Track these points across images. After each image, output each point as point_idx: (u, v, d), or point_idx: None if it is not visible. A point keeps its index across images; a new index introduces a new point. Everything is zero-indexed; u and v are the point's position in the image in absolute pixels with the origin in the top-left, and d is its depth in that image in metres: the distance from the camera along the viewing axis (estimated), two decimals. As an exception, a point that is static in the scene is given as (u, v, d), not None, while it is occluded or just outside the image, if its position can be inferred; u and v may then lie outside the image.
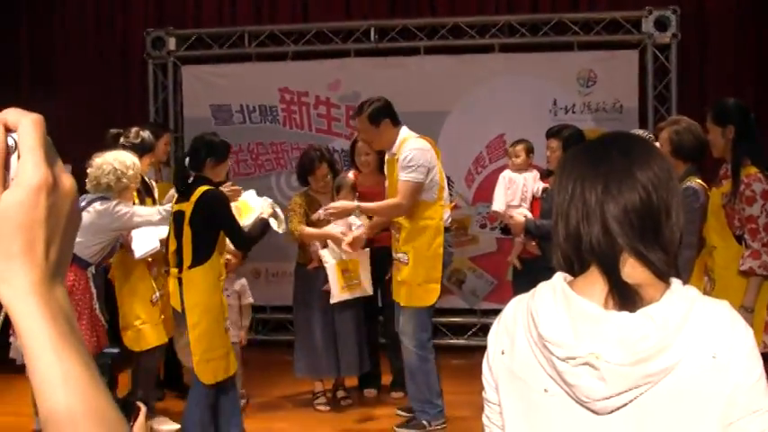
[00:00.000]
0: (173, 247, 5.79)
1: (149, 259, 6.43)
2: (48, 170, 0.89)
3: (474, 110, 8.79)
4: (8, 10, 10.20)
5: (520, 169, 7.00)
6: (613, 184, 1.88)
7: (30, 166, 0.88)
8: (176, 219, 5.75)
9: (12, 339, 5.92)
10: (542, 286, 1.91)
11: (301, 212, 6.96)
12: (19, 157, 0.89)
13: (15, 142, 0.90)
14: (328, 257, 6.73)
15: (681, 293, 1.82)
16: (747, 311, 4.85)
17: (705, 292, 5.00)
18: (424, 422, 6.41)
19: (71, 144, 5.91)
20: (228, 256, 6.29)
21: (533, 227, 6.23)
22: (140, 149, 6.50)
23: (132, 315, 6.30)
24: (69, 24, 10.24)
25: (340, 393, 7.36)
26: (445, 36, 9.39)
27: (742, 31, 9.09)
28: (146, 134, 6.68)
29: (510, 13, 9.37)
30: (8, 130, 0.90)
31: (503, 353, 1.97)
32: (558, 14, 9.20)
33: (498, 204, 6.91)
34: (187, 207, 5.65)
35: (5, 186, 0.89)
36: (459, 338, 9.22)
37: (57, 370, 0.88)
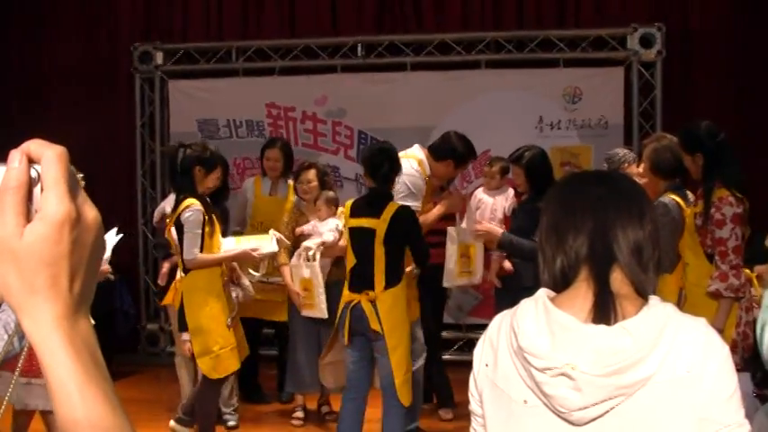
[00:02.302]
0: (350, 264, 5.68)
1: (225, 278, 6.15)
2: (71, 204, 0.89)
3: (460, 125, 8.73)
4: (-5, 24, 10.21)
5: (492, 189, 6.99)
6: (622, 207, 1.96)
7: (53, 200, 0.88)
8: (361, 235, 5.64)
9: None
10: (525, 301, 1.97)
11: (289, 230, 6.95)
12: (42, 189, 0.89)
13: (38, 174, 0.89)
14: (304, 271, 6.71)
15: (658, 309, 1.86)
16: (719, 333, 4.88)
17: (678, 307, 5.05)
18: None
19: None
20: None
21: (507, 242, 6.22)
22: (210, 164, 6.16)
23: (211, 340, 5.94)
24: (57, 37, 10.23)
25: (324, 409, 7.34)
26: (432, 52, 9.43)
27: (726, 48, 9.15)
28: (213, 147, 6.38)
29: (496, 30, 9.42)
30: (31, 161, 0.90)
31: (486, 365, 2.02)
32: (545, 31, 9.25)
33: (467, 224, 6.89)
34: (378, 225, 5.55)
35: (29, 219, 0.89)
36: (445, 353, 9.21)
37: (80, 408, 0.88)
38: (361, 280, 5.60)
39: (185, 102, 9.77)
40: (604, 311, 1.87)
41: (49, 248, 0.88)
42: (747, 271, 5.36)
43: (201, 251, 5.87)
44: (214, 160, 6.21)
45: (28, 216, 0.89)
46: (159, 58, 9.88)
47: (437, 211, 6.45)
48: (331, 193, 7.06)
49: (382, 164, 5.69)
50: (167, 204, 7.51)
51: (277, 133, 9.40)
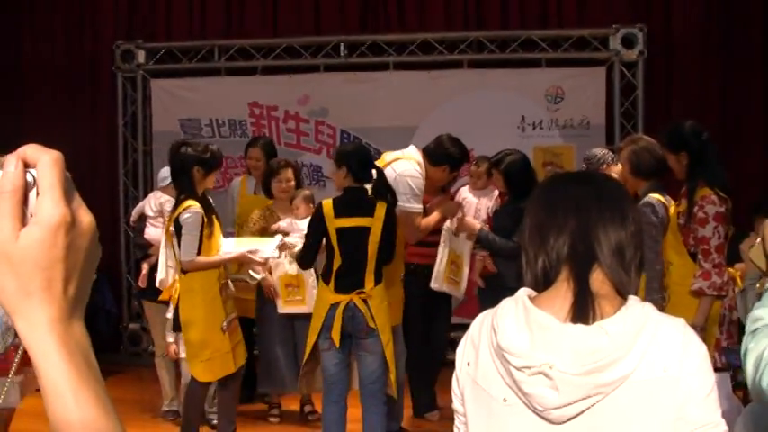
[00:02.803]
0: (337, 263, 5.62)
1: (223, 281, 6.02)
2: (66, 208, 0.89)
3: (442, 125, 8.77)
4: (-24, 22, 10.16)
5: (478, 189, 7.00)
6: (604, 208, 1.97)
7: (49, 204, 0.89)
8: (351, 234, 5.59)
9: None
10: (506, 300, 1.99)
11: (256, 229, 6.93)
12: (38, 193, 0.90)
13: (34, 178, 0.90)
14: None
15: (636, 309, 1.88)
16: (697, 330, 4.91)
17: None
18: None
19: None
20: None
21: (485, 237, 6.25)
22: (209, 164, 6.01)
23: (203, 344, 5.86)
24: (38, 34, 10.18)
25: (307, 408, 7.32)
26: (415, 52, 9.44)
27: (707, 48, 9.21)
28: (214, 148, 6.22)
29: (479, 30, 9.44)
30: (26, 166, 0.91)
31: (468, 364, 2.04)
32: (527, 31, 9.28)
33: (450, 222, 6.89)
34: (373, 224, 5.54)
35: (24, 223, 0.89)
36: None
37: (74, 411, 0.88)
38: (350, 280, 5.56)
39: (168, 101, 9.75)
40: (583, 311, 1.88)
41: (45, 252, 0.88)
42: (731, 270, 5.40)
43: (200, 253, 5.81)
44: (214, 161, 6.07)
45: (23, 220, 0.89)
46: (141, 56, 9.86)
47: (435, 217, 6.42)
48: (308, 192, 7.07)
49: (367, 163, 5.70)
50: (146, 205, 7.50)
51: (260, 133, 9.38)
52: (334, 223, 5.60)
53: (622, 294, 1.93)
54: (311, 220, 5.87)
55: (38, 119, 9.85)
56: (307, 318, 6.48)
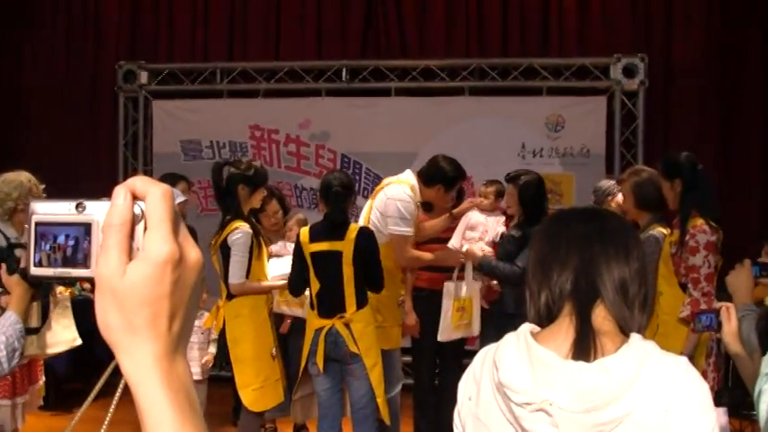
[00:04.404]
0: (315, 289, 5.57)
1: (271, 305, 5.97)
2: (175, 244, 0.89)
3: (443, 151, 8.73)
4: (-21, 40, 10.19)
5: (485, 210, 7.00)
6: (608, 244, 1.97)
7: (158, 240, 0.88)
8: (325, 258, 5.55)
9: None
10: (508, 335, 1.99)
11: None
12: (145, 227, 0.89)
13: (142, 211, 0.90)
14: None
15: (637, 347, 1.87)
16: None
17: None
18: None
19: (38, 173, 5.89)
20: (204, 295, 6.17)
21: (486, 264, 6.23)
22: (253, 182, 5.86)
23: (255, 372, 5.73)
24: (40, 53, 10.23)
25: (302, 433, 7.29)
26: (416, 78, 9.47)
27: (707, 79, 9.24)
28: (258, 164, 6.09)
29: (480, 57, 9.48)
30: (135, 198, 0.90)
31: (470, 399, 2.04)
32: (528, 59, 9.31)
33: (455, 241, 6.88)
34: (344, 246, 5.49)
35: (131, 257, 0.89)
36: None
37: None
38: (331, 304, 5.54)
39: (169, 122, 9.77)
40: (584, 348, 1.88)
41: (151, 288, 0.88)
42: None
43: (248, 276, 5.69)
44: (258, 178, 5.89)
45: (130, 254, 0.89)
46: (144, 77, 9.89)
47: (429, 256, 6.34)
48: (302, 216, 7.10)
49: (338, 190, 5.62)
50: None
51: (260, 156, 9.40)
52: (308, 248, 5.60)
53: (625, 331, 1.93)
54: (294, 247, 5.86)
55: (39, 137, 9.90)
56: (299, 338, 6.45)
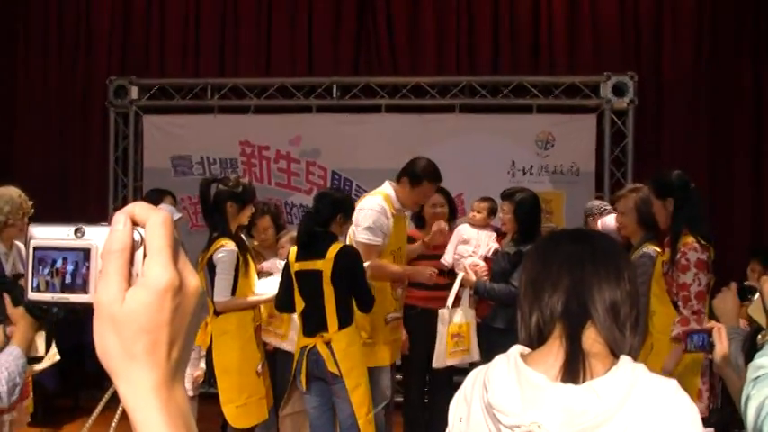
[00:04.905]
0: (300, 307, 5.56)
1: (257, 323, 5.93)
2: (175, 272, 0.89)
3: (433, 168, 8.88)
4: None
5: (477, 225, 6.98)
6: (599, 266, 1.97)
7: (158, 267, 0.88)
8: (307, 277, 5.54)
9: None
10: (498, 357, 1.99)
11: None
12: (145, 253, 0.89)
13: (141, 237, 0.90)
14: None
15: (627, 369, 1.87)
16: (665, 374, 4.91)
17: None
18: None
19: (28, 188, 5.88)
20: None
21: (482, 288, 6.24)
22: (242, 199, 5.86)
23: (239, 388, 5.69)
24: (31, 67, 10.21)
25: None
26: (407, 95, 9.49)
27: (696, 97, 9.29)
28: (246, 182, 6.09)
29: (471, 75, 9.50)
30: (134, 224, 0.90)
31: (460, 420, 2.05)
32: (519, 77, 9.34)
33: (447, 257, 6.85)
34: (324, 265, 5.45)
35: (130, 283, 0.89)
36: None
37: None
38: (314, 323, 5.51)
39: (159, 137, 9.76)
40: (573, 370, 1.88)
41: (151, 316, 0.87)
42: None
43: (234, 293, 5.67)
44: (247, 195, 5.89)
45: (129, 280, 0.89)
46: (134, 92, 9.88)
47: (399, 270, 6.25)
48: (295, 233, 7.06)
49: (323, 208, 5.63)
50: None
51: (250, 172, 9.40)
52: (294, 267, 5.60)
53: (615, 353, 1.93)
54: (284, 264, 5.84)
55: (29, 152, 9.89)
56: (287, 355, 6.42)
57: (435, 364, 6.36)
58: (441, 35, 9.68)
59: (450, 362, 6.36)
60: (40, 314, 3.00)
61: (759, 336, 2.72)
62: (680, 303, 5.15)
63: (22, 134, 10.06)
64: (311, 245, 5.56)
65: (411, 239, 6.72)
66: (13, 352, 3.19)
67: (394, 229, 6.18)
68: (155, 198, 7.32)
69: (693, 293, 5.11)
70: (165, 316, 0.88)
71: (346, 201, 5.83)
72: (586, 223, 6.97)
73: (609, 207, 6.72)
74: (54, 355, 5.45)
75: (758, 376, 2.39)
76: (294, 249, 5.69)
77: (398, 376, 7.03)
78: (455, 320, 6.34)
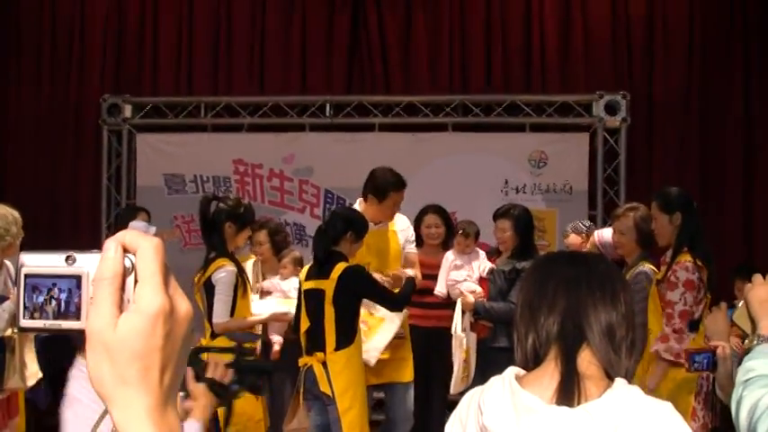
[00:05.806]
0: (305, 326, 5.55)
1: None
2: (166, 297, 0.90)
3: (426, 187, 8.83)
4: (-37, 72, 10.17)
5: (465, 253, 6.87)
6: (595, 288, 1.97)
7: (148, 292, 0.89)
8: (312, 296, 5.54)
9: None
10: (494, 379, 1.99)
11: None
12: (136, 280, 0.90)
13: (132, 264, 0.90)
14: None
15: (621, 392, 1.87)
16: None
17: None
18: None
19: (20, 205, 5.85)
20: None
21: (482, 309, 6.23)
22: (242, 220, 5.79)
23: (238, 410, 5.73)
24: (24, 85, 10.19)
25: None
26: (400, 114, 9.50)
27: (688, 116, 9.32)
28: (247, 203, 6.05)
29: (464, 93, 9.52)
30: (125, 251, 0.91)
31: (456, 441, 2.03)
32: (511, 96, 9.36)
33: (440, 287, 6.76)
34: (327, 285, 5.45)
35: (122, 310, 0.89)
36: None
37: None
38: (314, 342, 5.51)
39: (153, 156, 9.74)
40: (568, 392, 1.88)
41: (143, 341, 0.88)
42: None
43: (232, 314, 5.62)
44: (247, 216, 5.84)
45: (121, 306, 0.90)
46: (128, 110, 9.86)
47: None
48: (298, 254, 7.02)
49: (334, 225, 5.65)
50: None
51: (244, 190, 9.40)
52: (303, 286, 5.65)
53: (611, 376, 1.93)
54: (299, 284, 5.86)
55: (21, 170, 9.86)
56: (283, 373, 6.39)
57: (453, 390, 6.29)
58: (434, 54, 9.70)
59: (462, 388, 6.27)
60: (222, 392, 2.82)
61: (746, 341, 2.73)
62: (664, 320, 5.15)
63: (15, 152, 10.04)
64: (323, 264, 5.58)
65: None
66: (194, 426, 2.82)
67: (373, 246, 6.16)
68: (129, 215, 7.28)
69: (677, 312, 5.12)
70: (156, 341, 0.89)
71: (357, 219, 5.80)
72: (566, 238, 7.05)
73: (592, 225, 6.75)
74: (37, 373, 5.49)
75: (749, 378, 2.39)
76: (306, 268, 5.70)
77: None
78: (463, 345, 6.32)
